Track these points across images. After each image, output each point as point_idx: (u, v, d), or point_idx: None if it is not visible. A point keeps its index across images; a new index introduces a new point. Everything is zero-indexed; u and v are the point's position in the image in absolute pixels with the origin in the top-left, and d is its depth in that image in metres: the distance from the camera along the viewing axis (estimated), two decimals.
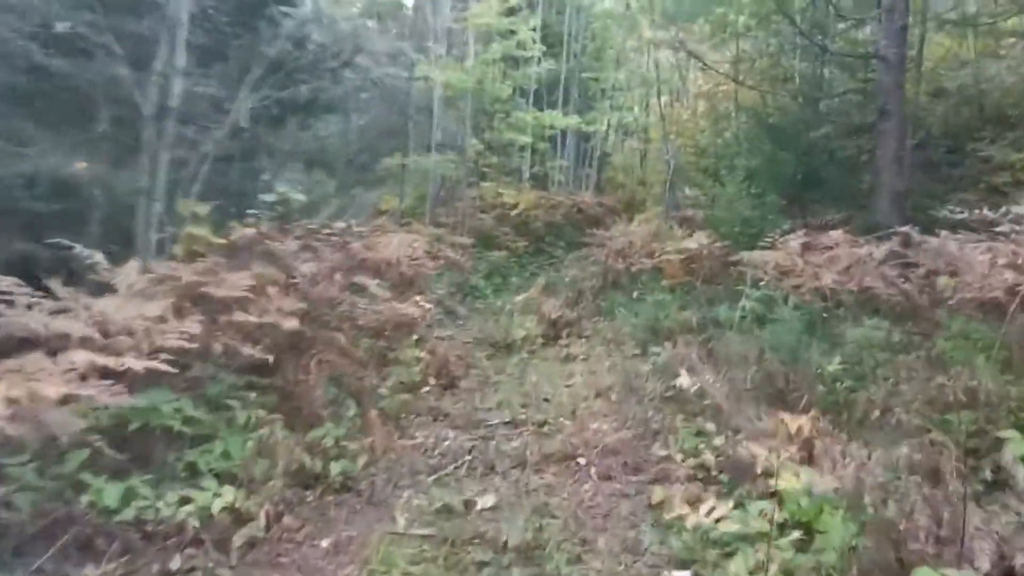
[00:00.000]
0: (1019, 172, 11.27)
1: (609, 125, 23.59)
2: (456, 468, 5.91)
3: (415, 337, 9.89)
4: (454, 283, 15.64)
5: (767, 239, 9.64)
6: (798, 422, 4.85)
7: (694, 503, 4.91)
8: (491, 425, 7.09)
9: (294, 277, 5.39)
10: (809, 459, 4.84)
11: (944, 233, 6.95)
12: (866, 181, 11.19)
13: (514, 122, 19.95)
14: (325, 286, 5.41)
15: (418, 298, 12.00)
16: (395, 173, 20.18)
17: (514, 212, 19.01)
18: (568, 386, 8.73)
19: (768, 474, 4.67)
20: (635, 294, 12.27)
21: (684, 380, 6.66)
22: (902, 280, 6.90)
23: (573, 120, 20.41)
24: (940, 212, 9.45)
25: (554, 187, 21.55)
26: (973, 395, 5.25)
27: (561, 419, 7.02)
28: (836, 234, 8.01)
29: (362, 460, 5.57)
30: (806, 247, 8.15)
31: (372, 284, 9.62)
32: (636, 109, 24.00)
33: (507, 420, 7.15)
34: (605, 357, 10.16)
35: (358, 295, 9.47)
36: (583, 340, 11.34)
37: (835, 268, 7.17)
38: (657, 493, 5.03)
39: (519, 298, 13.96)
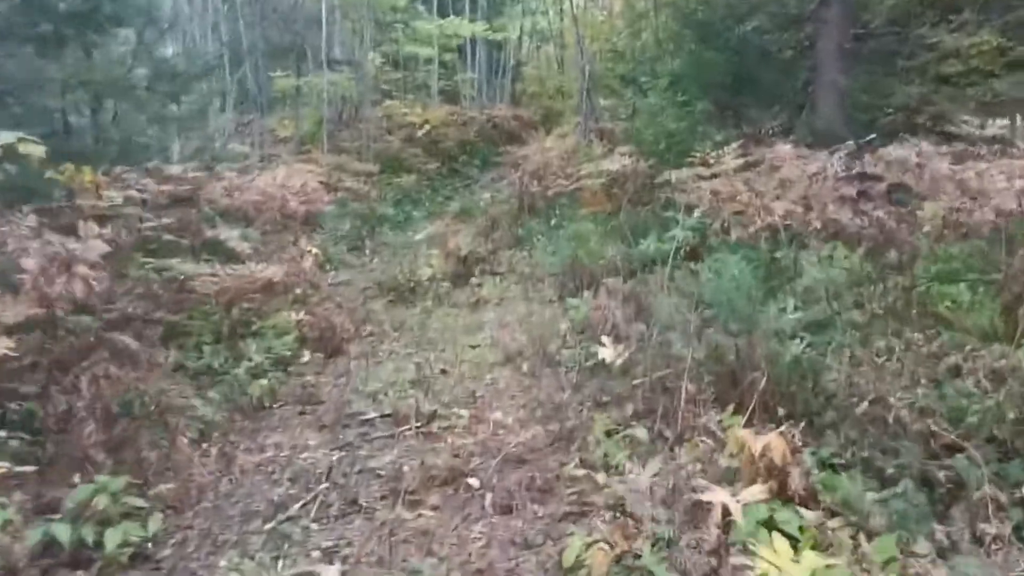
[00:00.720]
0: (972, 59, 9.72)
1: (522, 31, 21.46)
2: (306, 504, 4.23)
3: (294, 295, 8.11)
4: (358, 215, 13.76)
5: (696, 154, 7.99)
6: (764, 440, 3.28)
7: (620, 560, 3.36)
8: (368, 420, 5.41)
9: (22, 271, 3.59)
10: (780, 492, 3.29)
11: (923, 145, 5.37)
12: (805, 79, 9.54)
13: (415, 33, 17.75)
14: (68, 280, 3.60)
15: (302, 242, 10.19)
16: (289, 95, 17.99)
17: (422, 132, 17.03)
18: (473, 347, 7.09)
19: (727, 522, 3.12)
20: (553, 221, 10.60)
21: (607, 351, 5.05)
22: (871, 206, 5.34)
23: (480, 27, 18.27)
24: (887, 115, 7.91)
25: (465, 102, 19.54)
26: (997, 374, 3.74)
27: (455, 409, 5.36)
28: (783, 149, 6.37)
29: (157, 517, 3.84)
30: (747, 166, 6.52)
31: (234, 236, 7.78)
32: (550, 12, 21.81)
33: (388, 412, 5.47)
34: (520, 300, 8.54)
35: (214, 253, 7.62)
36: (496, 279, 9.67)
37: (788, 195, 5.56)
38: (572, 547, 3.44)
39: (420, 235, 12.21)
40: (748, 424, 4.11)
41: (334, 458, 4.75)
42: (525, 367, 6.14)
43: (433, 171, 16.73)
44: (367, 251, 12.93)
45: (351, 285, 10.20)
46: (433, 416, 5.25)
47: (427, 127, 17.05)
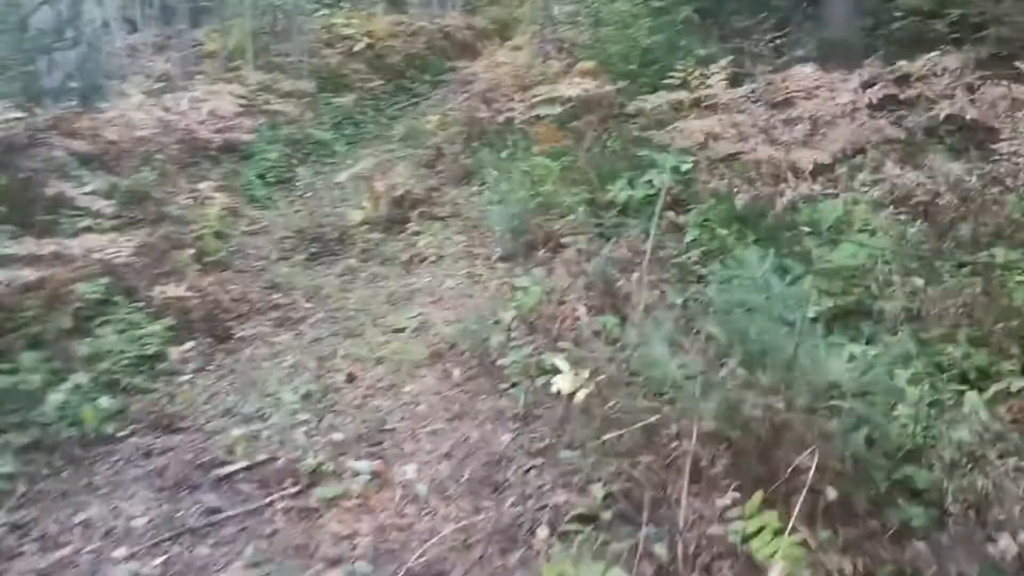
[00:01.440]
0: None
1: None
2: None
3: (177, 260, 6.27)
4: (290, 142, 11.76)
5: (676, 74, 6.12)
6: None
7: None
8: (227, 477, 3.69)
9: None
10: None
11: None
12: None
13: None
14: None
15: (204, 187, 8.26)
16: (216, 4, 15.61)
17: (363, 45, 14.82)
18: (397, 331, 5.35)
19: None
20: (504, 153, 8.74)
21: (564, 380, 3.35)
22: (937, 157, 3.60)
23: None
24: None
25: (413, 11, 17.20)
26: None
27: (351, 462, 3.64)
28: (802, 72, 4.56)
29: None
30: (749, 96, 4.71)
31: (93, 191, 5.95)
32: None
33: (260, 457, 3.76)
34: (462, 259, 6.78)
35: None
36: (437, 225, 7.83)
37: (820, 142, 3.80)
38: None
39: (359, 165, 10.32)
40: (792, 530, 2.47)
41: (155, 568, 3.03)
42: (456, 374, 4.42)
43: (378, 89, 14.57)
44: (299, 184, 11.02)
45: (269, 234, 8.34)
46: (318, 473, 3.54)
47: (368, 40, 14.85)
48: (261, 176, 10.70)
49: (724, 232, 4.58)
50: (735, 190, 4.05)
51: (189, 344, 5.30)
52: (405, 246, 7.45)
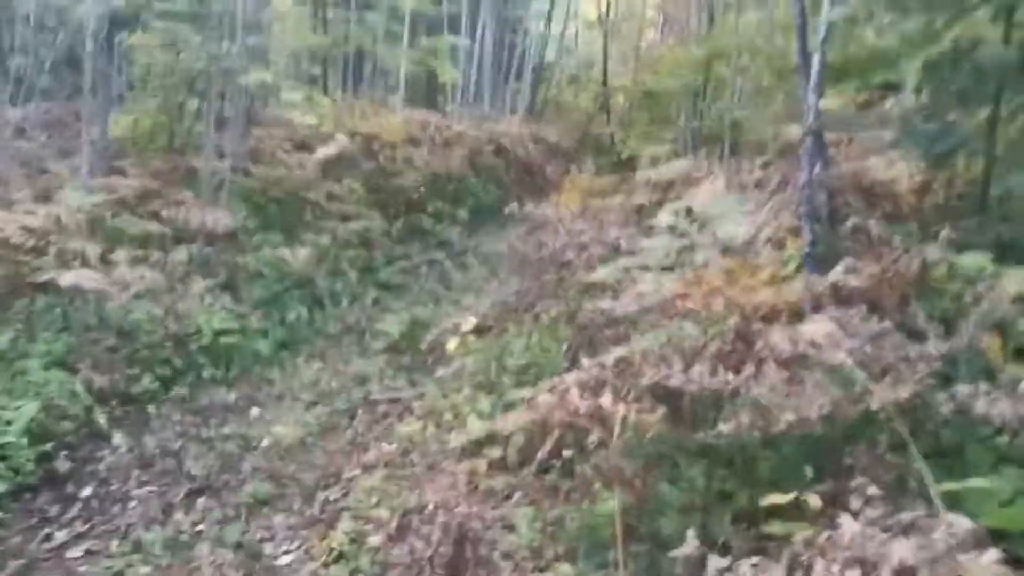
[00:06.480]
0: None
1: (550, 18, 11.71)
2: None
3: None
4: (142, 351, 4.14)
5: None
6: None
7: None
8: None
9: None
10: None
11: None
12: None
13: None
14: None
15: None
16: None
17: (345, 146, 7.40)
18: None
19: None
20: None
21: None
22: None
23: None
24: None
25: (452, 106, 9.87)
26: None
27: None
28: None
29: None
30: None
31: None
32: None
33: None
34: None
35: None
36: None
37: None
38: None
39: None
40: None
41: None
42: None
43: (375, 232, 7.06)
44: (82, 498, 3.36)
45: None
46: None
47: (377, 142, 7.48)
48: None
49: None
50: None
51: None
52: None
